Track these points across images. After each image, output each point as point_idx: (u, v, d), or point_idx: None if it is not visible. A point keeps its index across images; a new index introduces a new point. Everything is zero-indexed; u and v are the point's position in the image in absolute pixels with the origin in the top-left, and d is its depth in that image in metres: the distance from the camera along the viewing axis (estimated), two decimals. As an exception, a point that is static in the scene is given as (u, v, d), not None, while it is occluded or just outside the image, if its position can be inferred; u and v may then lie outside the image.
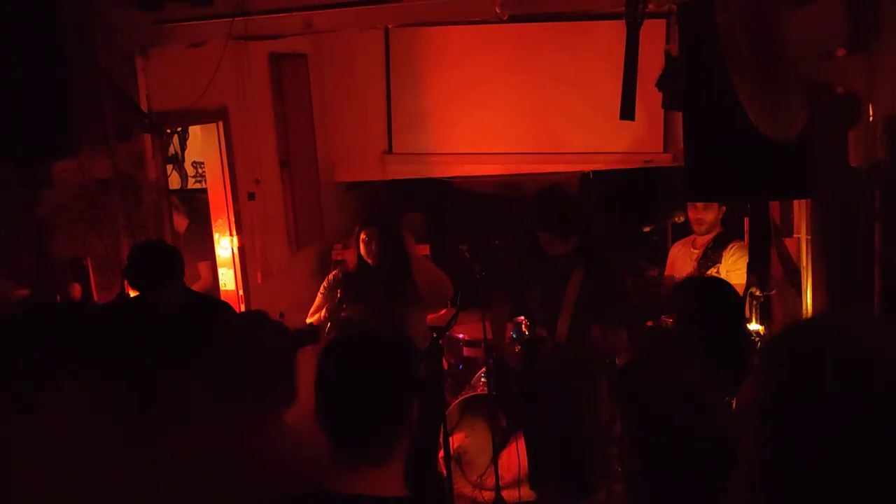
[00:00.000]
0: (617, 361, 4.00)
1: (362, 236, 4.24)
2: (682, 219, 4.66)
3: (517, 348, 4.15)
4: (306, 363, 4.22)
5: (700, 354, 2.31)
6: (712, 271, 4.25)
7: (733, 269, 4.20)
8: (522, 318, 4.25)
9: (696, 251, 4.39)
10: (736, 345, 2.56)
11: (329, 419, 1.72)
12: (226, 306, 4.03)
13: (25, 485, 1.51)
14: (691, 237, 4.51)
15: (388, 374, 1.71)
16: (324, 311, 4.34)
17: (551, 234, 4.04)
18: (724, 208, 4.31)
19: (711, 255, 4.28)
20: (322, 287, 4.43)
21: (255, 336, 2.30)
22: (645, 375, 2.22)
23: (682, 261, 4.49)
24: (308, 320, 4.37)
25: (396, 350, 1.78)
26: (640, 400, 2.10)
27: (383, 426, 1.69)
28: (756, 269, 3.94)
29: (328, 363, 1.76)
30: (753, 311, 3.76)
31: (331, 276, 4.45)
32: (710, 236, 4.36)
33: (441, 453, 4.34)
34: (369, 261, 4.23)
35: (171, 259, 3.44)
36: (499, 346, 4.35)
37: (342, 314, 4.28)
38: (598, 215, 6.16)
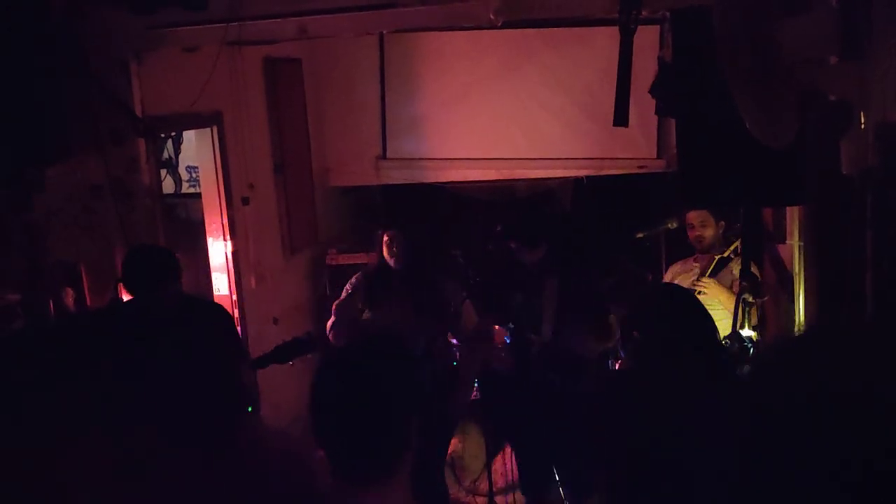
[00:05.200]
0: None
1: (385, 238, 4.23)
2: (675, 225, 4.66)
3: (503, 352, 4.17)
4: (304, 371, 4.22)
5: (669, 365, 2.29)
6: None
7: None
8: (510, 324, 4.27)
9: (697, 264, 4.37)
10: (707, 352, 2.47)
11: (328, 438, 1.65)
12: (220, 308, 4.03)
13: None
14: (692, 256, 4.49)
15: (387, 390, 1.64)
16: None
17: (517, 244, 4.13)
18: (722, 223, 4.30)
19: (718, 264, 4.26)
20: (344, 292, 4.37)
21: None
22: (617, 405, 2.21)
23: (680, 279, 4.45)
24: (330, 323, 4.33)
25: (396, 364, 1.71)
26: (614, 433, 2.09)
27: (385, 444, 1.63)
28: (749, 276, 3.94)
29: (324, 381, 1.69)
30: (746, 317, 3.76)
31: (354, 279, 4.38)
32: (711, 253, 4.34)
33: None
34: (391, 263, 4.22)
35: (168, 262, 3.45)
36: (486, 355, 4.37)
37: (363, 317, 4.25)
38: (591, 220, 6.20)
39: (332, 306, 4.35)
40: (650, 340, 2.47)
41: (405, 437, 1.65)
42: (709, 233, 4.29)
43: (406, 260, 4.18)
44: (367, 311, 4.24)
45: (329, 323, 4.29)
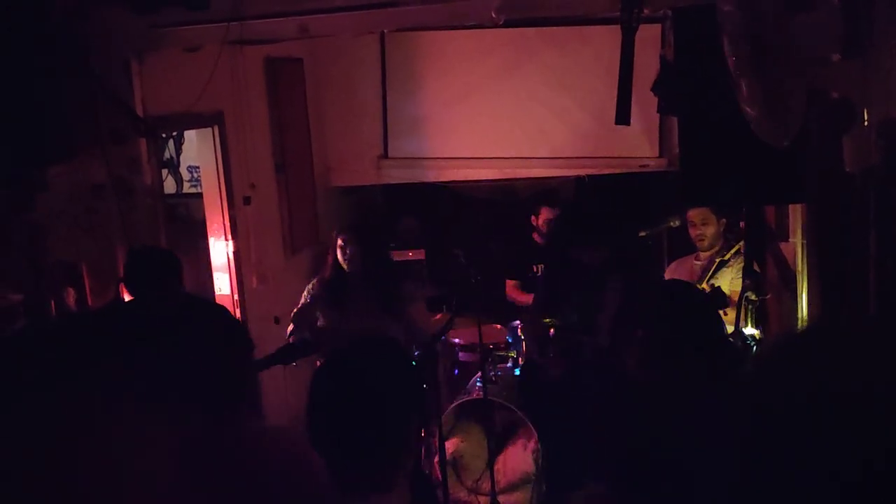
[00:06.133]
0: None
1: (339, 242, 4.22)
2: (677, 223, 4.65)
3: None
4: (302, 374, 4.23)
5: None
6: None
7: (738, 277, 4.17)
8: (518, 322, 4.26)
9: (700, 263, 4.35)
10: (708, 352, 2.46)
11: (326, 444, 1.60)
12: (222, 309, 4.02)
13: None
14: (693, 254, 4.48)
15: (391, 396, 1.60)
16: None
17: (578, 245, 4.10)
18: (723, 221, 4.29)
19: (717, 267, 4.25)
20: (302, 299, 4.39)
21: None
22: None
23: (681, 276, 4.44)
24: (288, 330, 4.36)
25: (399, 370, 1.67)
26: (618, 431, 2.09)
27: (385, 448, 1.58)
28: (751, 274, 3.94)
29: (321, 385, 1.65)
30: (749, 315, 3.76)
31: (311, 286, 4.41)
32: (712, 251, 4.33)
33: (437, 458, 4.33)
34: (345, 266, 4.21)
35: (169, 262, 3.47)
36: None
37: (318, 323, 4.27)
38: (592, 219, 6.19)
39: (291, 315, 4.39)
40: (651, 340, 2.47)
41: (405, 441, 1.62)
42: (710, 231, 4.28)
43: (359, 263, 4.17)
44: (322, 316, 4.24)
45: (288, 330, 4.32)
